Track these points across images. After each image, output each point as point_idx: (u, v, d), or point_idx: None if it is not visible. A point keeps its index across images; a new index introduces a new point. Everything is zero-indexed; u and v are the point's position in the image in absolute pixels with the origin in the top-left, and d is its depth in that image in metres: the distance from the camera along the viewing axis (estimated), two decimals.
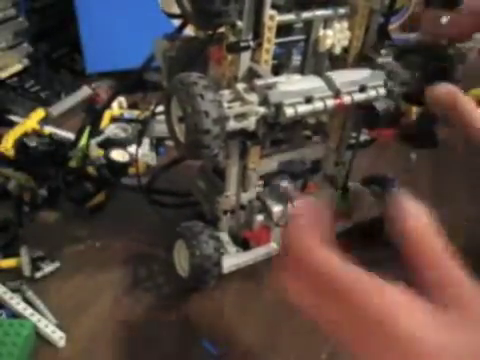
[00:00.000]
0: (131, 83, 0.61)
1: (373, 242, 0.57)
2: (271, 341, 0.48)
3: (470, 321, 0.25)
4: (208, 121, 0.33)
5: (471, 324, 0.25)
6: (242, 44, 0.37)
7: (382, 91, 0.42)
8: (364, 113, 0.47)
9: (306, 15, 0.40)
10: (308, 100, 0.39)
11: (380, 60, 0.42)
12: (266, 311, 0.51)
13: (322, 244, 0.26)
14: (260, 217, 0.49)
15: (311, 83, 0.40)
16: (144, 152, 0.68)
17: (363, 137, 0.52)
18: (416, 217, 0.29)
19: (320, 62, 0.42)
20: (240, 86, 0.37)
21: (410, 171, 0.71)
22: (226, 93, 0.37)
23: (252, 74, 0.38)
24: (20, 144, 0.64)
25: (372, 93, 0.41)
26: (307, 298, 0.27)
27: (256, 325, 0.49)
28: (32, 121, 0.69)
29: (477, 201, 0.67)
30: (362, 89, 0.41)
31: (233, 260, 0.50)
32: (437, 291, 0.26)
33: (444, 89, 0.38)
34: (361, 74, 0.42)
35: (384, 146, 0.53)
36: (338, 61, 0.44)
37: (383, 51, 0.43)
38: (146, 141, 0.70)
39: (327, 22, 0.41)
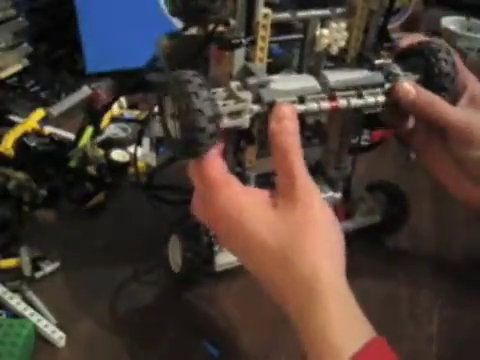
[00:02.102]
0: (134, 83, 0.61)
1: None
2: (271, 341, 0.48)
3: (290, 203, 0.35)
4: (203, 119, 0.33)
5: (291, 205, 0.35)
6: (234, 41, 0.37)
7: (379, 92, 0.42)
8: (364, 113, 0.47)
9: (302, 14, 0.39)
10: (302, 100, 0.39)
11: (379, 61, 0.42)
12: (266, 311, 0.51)
13: (213, 156, 0.36)
14: None
15: (305, 82, 0.40)
16: (144, 152, 0.68)
17: (364, 142, 0.52)
18: (279, 119, 0.36)
19: (317, 62, 0.42)
20: (234, 84, 0.37)
21: (410, 171, 0.71)
22: (220, 91, 0.37)
23: (248, 73, 0.38)
24: (20, 144, 0.64)
25: (370, 99, 0.41)
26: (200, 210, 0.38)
27: (256, 325, 0.49)
28: (32, 121, 0.69)
29: None
30: (358, 91, 0.41)
31: (226, 258, 0.50)
32: (279, 180, 0.36)
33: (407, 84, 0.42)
34: (358, 75, 0.42)
35: (384, 146, 0.53)
36: (337, 62, 0.44)
37: (383, 52, 0.43)
38: (146, 141, 0.70)
39: (324, 21, 0.41)
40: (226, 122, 0.36)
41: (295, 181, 0.35)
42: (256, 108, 0.37)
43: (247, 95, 0.37)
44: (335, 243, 0.35)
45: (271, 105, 0.38)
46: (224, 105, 0.36)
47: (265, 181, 0.49)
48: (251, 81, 0.37)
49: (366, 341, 0.31)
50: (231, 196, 0.36)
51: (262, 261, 0.35)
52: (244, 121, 0.37)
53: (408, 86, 0.42)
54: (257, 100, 0.37)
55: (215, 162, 0.36)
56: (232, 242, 0.37)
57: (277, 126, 0.36)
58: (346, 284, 0.34)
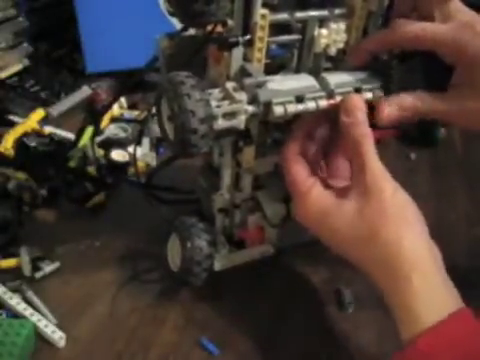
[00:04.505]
0: (134, 83, 0.61)
1: None
2: (271, 341, 0.48)
3: (361, 194, 0.37)
4: (194, 120, 0.33)
5: (364, 199, 0.37)
6: (231, 40, 0.37)
7: (379, 93, 0.42)
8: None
9: (300, 15, 0.39)
10: (299, 99, 0.38)
11: (379, 62, 0.42)
12: (266, 311, 0.51)
13: (296, 158, 0.41)
14: (255, 217, 0.49)
15: (303, 82, 0.40)
16: (144, 152, 0.68)
17: None
18: (348, 111, 0.38)
19: (316, 63, 0.42)
20: (230, 85, 0.37)
21: (410, 171, 0.71)
22: (216, 92, 0.37)
23: (246, 73, 0.38)
24: (20, 144, 0.64)
25: (368, 95, 0.41)
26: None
27: (256, 325, 0.50)
28: (32, 121, 0.69)
29: (477, 201, 0.67)
30: (357, 91, 0.41)
31: (225, 258, 0.50)
32: (353, 171, 0.39)
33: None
34: (358, 76, 0.41)
35: (384, 146, 0.53)
36: (337, 62, 0.44)
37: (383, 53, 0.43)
38: (146, 141, 0.70)
39: (323, 22, 0.40)
40: (220, 123, 0.36)
41: (366, 173, 0.37)
42: (251, 109, 0.37)
43: (242, 96, 0.37)
44: (413, 223, 0.37)
45: (267, 105, 0.37)
46: (218, 106, 0.36)
47: (263, 182, 0.49)
48: (247, 81, 0.37)
49: (450, 312, 0.34)
50: (313, 201, 0.40)
51: (349, 250, 0.39)
52: (239, 122, 0.37)
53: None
54: (253, 101, 0.37)
55: (296, 168, 0.41)
56: (323, 235, 0.41)
57: (348, 119, 0.38)
58: (432, 259, 0.36)
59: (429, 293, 0.35)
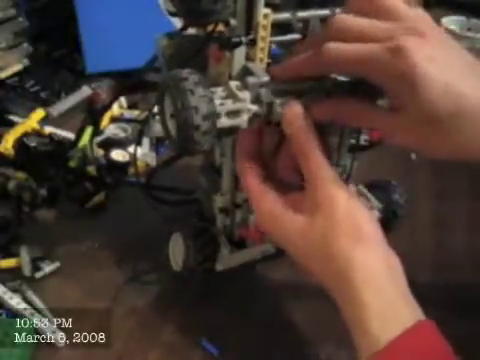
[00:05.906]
0: (134, 83, 0.61)
1: None
2: (271, 341, 0.48)
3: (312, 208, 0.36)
4: (198, 117, 0.33)
5: (315, 213, 0.35)
6: (233, 40, 0.37)
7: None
8: None
9: (302, 14, 0.40)
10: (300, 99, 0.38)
11: None
12: (266, 311, 0.51)
13: (248, 164, 0.39)
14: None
15: (304, 83, 0.40)
16: (144, 152, 0.68)
17: (364, 142, 0.52)
18: (290, 122, 0.37)
19: None
20: (233, 83, 0.37)
21: (410, 171, 0.71)
22: (219, 90, 0.37)
23: (248, 73, 0.38)
24: (20, 144, 0.64)
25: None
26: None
27: (256, 325, 0.50)
28: (32, 121, 0.69)
29: (477, 201, 0.67)
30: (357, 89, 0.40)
31: (226, 258, 0.50)
32: (305, 181, 0.37)
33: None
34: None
35: (384, 146, 0.53)
36: None
37: None
38: (146, 141, 0.70)
39: (324, 22, 0.41)
40: (223, 121, 0.36)
41: (316, 183, 0.36)
42: (254, 108, 0.37)
43: (245, 95, 0.37)
44: (367, 234, 0.35)
45: (269, 105, 0.37)
46: (222, 104, 0.36)
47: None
48: (251, 81, 0.37)
49: (407, 327, 0.31)
50: (266, 209, 0.38)
51: (302, 260, 0.37)
52: (242, 121, 0.37)
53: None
54: (256, 100, 0.37)
55: (249, 173, 0.39)
56: (278, 243, 0.40)
57: (290, 131, 0.37)
58: (387, 272, 0.34)
59: (383, 308, 0.32)
